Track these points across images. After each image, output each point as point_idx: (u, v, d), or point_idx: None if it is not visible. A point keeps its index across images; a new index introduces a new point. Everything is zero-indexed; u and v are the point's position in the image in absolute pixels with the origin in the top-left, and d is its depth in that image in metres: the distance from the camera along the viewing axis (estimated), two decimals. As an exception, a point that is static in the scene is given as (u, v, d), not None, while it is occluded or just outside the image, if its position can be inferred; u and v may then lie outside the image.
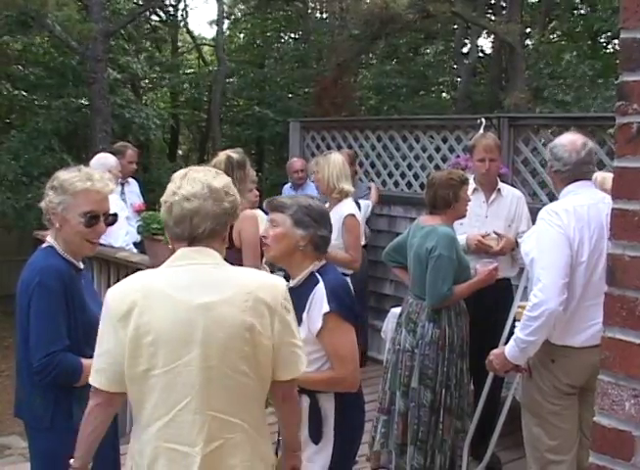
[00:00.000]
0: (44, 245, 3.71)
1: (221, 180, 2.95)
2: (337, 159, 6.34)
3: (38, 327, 3.49)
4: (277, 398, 3.06)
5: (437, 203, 5.23)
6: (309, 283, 3.69)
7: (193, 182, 2.89)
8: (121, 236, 7.40)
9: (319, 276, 3.70)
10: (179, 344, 2.74)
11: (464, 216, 5.42)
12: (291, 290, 3.22)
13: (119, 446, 4.00)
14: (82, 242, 3.65)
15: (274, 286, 2.93)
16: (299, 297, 3.51)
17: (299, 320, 3.41)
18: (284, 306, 2.90)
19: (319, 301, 3.61)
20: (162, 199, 2.94)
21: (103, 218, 3.67)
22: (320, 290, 3.65)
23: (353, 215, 6.23)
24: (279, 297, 2.90)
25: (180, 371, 2.74)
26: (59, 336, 3.48)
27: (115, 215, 3.83)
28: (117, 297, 2.82)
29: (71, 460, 3.03)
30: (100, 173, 3.71)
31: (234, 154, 5.35)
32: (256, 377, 2.86)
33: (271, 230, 3.75)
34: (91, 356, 3.59)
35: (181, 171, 3.02)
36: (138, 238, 7.42)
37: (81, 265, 3.75)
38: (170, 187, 2.93)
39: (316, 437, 3.70)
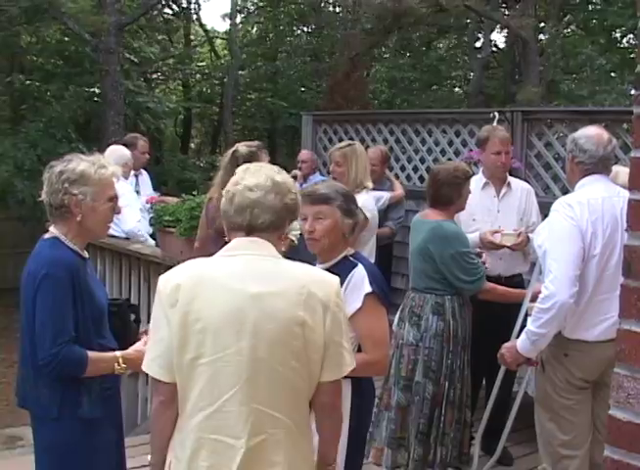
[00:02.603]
0: (47, 236, 3.69)
1: (284, 177, 2.95)
2: (363, 152, 6.29)
3: (44, 319, 3.47)
4: (318, 403, 2.95)
5: (440, 199, 5.14)
6: (343, 267, 3.67)
7: (257, 174, 2.89)
8: (130, 220, 7.39)
9: (355, 260, 3.70)
10: (228, 333, 2.71)
11: (463, 209, 5.36)
12: None
13: (124, 439, 4.00)
14: (105, 227, 3.77)
15: (328, 282, 2.90)
16: None
17: None
18: (337, 304, 2.86)
19: (359, 282, 3.61)
20: (225, 189, 2.94)
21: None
22: (360, 272, 3.64)
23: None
24: (332, 294, 2.86)
25: (228, 361, 2.71)
26: (65, 328, 3.45)
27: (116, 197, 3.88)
28: (169, 284, 2.80)
29: (149, 457, 3.01)
30: (104, 158, 3.76)
31: (243, 147, 5.33)
32: (306, 374, 2.81)
33: (318, 224, 3.70)
34: (102, 345, 3.62)
35: (244, 165, 3.03)
36: (150, 230, 7.44)
37: (86, 255, 3.75)
38: (233, 179, 2.94)
39: None
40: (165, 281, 2.82)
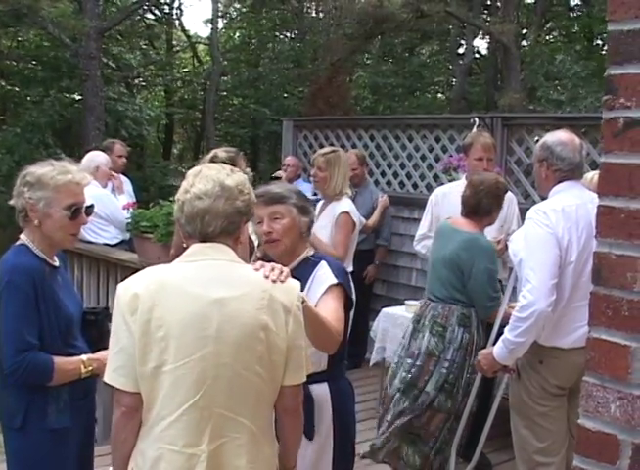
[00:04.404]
0: (17, 243, 3.65)
1: (235, 178, 2.89)
2: (346, 159, 6.32)
3: (6, 328, 3.41)
4: (280, 407, 2.93)
5: (480, 209, 5.07)
6: (306, 266, 3.61)
7: (205, 180, 2.83)
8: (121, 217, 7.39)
9: (317, 259, 3.65)
10: (192, 339, 2.67)
11: (493, 224, 5.33)
12: None
13: (93, 449, 3.94)
14: (65, 236, 3.60)
15: (289, 285, 2.87)
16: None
17: None
18: (298, 307, 2.84)
19: (324, 275, 3.54)
20: (176, 196, 2.89)
21: (84, 210, 3.64)
22: (324, 267, 3.58)
23: (348, 213, 6.18)
24: (294, 297, 2.84)
25: (192, 367, 2.67)
26: (28, 336, 3.40)
27: (92, 206, 3.79)
28: (129, 292, 2.74)
29: (110, 469, 2.95)
30: (73, 165, 3.67)
31: (222, 152, 5.29)
32: (269, 379, 2.79)
33: (276, 224, 3.64)
34: (71, 354, 3.57)
35: (195, 169, 2.96)
36: (127, 236, 7.41)
37: (56, 263, 3.68)
38: (183, 185, 2.89)
39: (310, 432, 3.58)
40: (125, 289, 2.77)
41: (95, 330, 3.72)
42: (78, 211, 3.59)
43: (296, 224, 3.65)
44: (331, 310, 3.43)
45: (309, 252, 3.72)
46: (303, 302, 2.94)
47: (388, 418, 5.12)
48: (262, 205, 3.60)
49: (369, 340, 7.54)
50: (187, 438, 2.70)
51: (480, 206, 5.07)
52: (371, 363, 7.01)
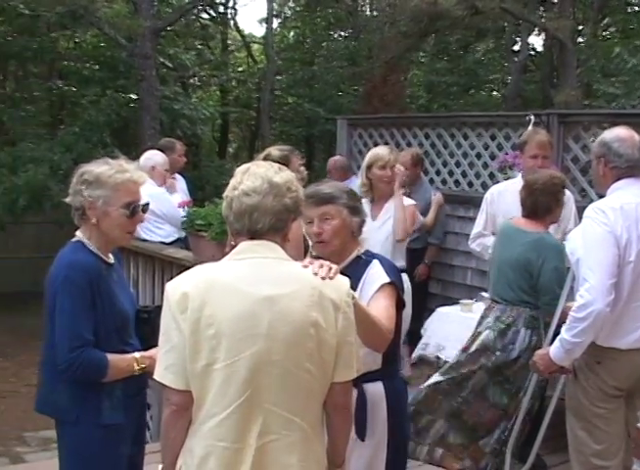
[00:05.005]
0: (73, 240, 3.68)
1: (283, 176, 2.90)
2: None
3: (63, 322, 3.46)
4: (330, 404, 2.91)
5: (539, 209, 5.05)
6: (357, 266, 3.61)
7: (254, 177, 2.85)
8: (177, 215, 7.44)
9: (369, 258, 3.64)
10: (243, 337, 2.68)
11: (557, 221, 5.28)
12: None
13: (144, 446, 3.99)
14: (122, 234, 3.65)
15: (339, 282, 2.87)
16: None
17: None
18: (347, 304, 2.84)
19: (376, 274, 3.54)
20: (224, 194, 2.91)
21: (141, 209, 3.67)
22: (376, 266, 3.58)
23: (414, 205, 6.34)
24: (343, 293, 2.84)
25: (242, 365, 2.68)
26: (83, 332, 3.44)
27: (147, 205, 3.81)
28: (178, 290, 2.76)
29: (160, 466, 2.98)
30: (130, 164, 3.69)
31: (275, 151, 5.29)
32: (319, 375, 2.78)
33: (326, 225, 3.64)
34: (124, 351, 3.59)
35: (243, 166, 2.97)
36: (183, 234, 7.45)
37: (112, 260, 3.71)
38: (232, 182, 2.91)
39: (362, 431, 3.58)
40: (174, 288, 2.79)
41: (148, 328, 3.72)
42: (136, 210, 3.63)
43: (346, 225, 3.63)
44: (382, 309, 3.43)
45: (360, 250, 3.71)
46: (353, 299, 2.93)
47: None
48: (313, 205, 3.59)
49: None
50: (236, 434, 2.71)
51: (538, 205, 5.02)
52: (412, 359, 6.96)
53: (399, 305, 3.59)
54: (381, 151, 6.33)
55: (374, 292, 3.50)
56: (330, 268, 2.85)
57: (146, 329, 3.74)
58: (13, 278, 15.80)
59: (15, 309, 14.38)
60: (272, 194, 2.82)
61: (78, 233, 3.67)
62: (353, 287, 3.01)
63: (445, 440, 5.09)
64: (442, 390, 5.11)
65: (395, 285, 3.55)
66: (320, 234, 3.64)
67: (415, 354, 6.78)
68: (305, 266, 2.84)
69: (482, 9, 15.85)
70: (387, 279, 3.52)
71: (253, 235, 2.83)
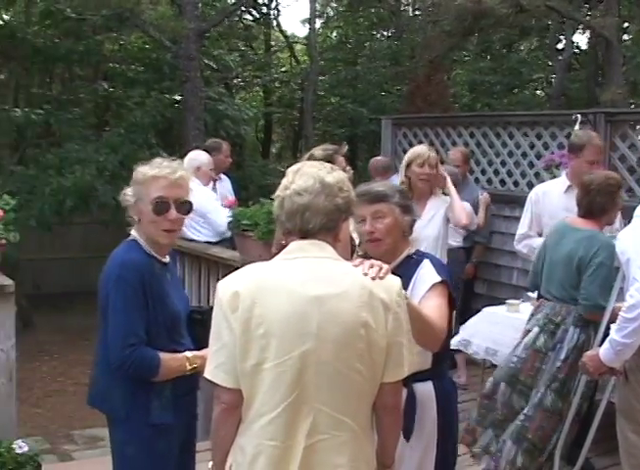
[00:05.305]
0: (128, 239, 3.72)
1: (335, 176, 2.91)
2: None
3: (116, 321, 3.50)
4: (380, 404, 2.90)
5: (594, 209, 5.03)
6: (408, 265, 3.61)
7: (305, 177, 2.87)
8: (221, 222, 7.45)
9: (419, 257, 3.63)
10: (292, 336, 2.70)
11: (612, 223, 5.25)
12: None
13: (194, 446, 4.01)
14: (157, 231, 3.63)
15: (389, 282, 2.86)
16: None
17: None
18: (398, 304, 2.82)
19: (428, 273, 3.54)
20: (276, 193, 2.93)
21: (174, 206, 3.62)
22: (427, 265, 3.58)
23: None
24: (394, 293, 2.83)
25: (292, 364, 2.70)
26: (136, 330, 3.48)
27: (190, 203, 3.74)
28: (229, 290, 2.79)
29: (210, 464, 3.01)
30: (171, 162, 3.70)
31: (319, 151, 5.28)
32: (369, 376, 2.79)
33: (378, 223, 3.64)
34: (176, 351, 3.62)
35: (295, 166, 3.00)
36: (229, 234, 7.47)
37: (166, 259, 3.74)
38: (283, 181, 2.92)
39: (410, 431, 3.57)
40: (225, 287, 2.82)
41: (201, 328, 3.71)
42: (163, 206, 3.59)
43: (398, 223, 3.63)
44: (434, 308, 3.42)
45: (411, 250, 3.71)
46: (406, 299, 2.93)
47: (498, 414, 5.09)
48: (365, 203, 3.60)
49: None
50: (286, 433, 2.73)
51: (594, 205, 5.00)
52: (471, 353, 6.93)
53: (451, 304, 3.58)
54: (419, 149, 6.30)
55: (425, 291, 3.49)
56: (380, 268, 2.84)
57: (199, 330, 3.74)
58: (60, 278, 15.97)
59: (62, 309, 14.55)
60: (324, 194, 2.82)
61: (133, 232, 3.71)
62: (404, 286, 3.00)
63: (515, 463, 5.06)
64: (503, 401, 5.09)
65: (447, 284, 3.55)
66: (372, 233, 3.65)
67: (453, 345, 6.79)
68: (356, 266, 2.84)
69: (527, 7, 15.70)
70: (438, 278, 3.52)
71: (305, 235, 2.84)
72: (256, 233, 6.46)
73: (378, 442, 3.01)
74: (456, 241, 7.84)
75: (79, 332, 13.19)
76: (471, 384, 7.61)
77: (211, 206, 7.57)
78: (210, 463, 3.00)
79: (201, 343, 3.64)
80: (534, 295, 5.68)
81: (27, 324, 12.78)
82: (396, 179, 8.81)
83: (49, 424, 9.24)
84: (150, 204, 3.58)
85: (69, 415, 9.72)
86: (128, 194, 3.65)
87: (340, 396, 2.75)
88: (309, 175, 2.87)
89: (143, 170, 3.63)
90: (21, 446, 5.15)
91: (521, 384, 5.04)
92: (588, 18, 19.44)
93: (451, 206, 6.01)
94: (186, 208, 3.71)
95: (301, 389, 2.71)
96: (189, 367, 3.60)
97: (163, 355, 3.53)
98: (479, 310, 7.00)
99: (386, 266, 2.89)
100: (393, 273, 2.95)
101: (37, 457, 5.28)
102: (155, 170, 3.61)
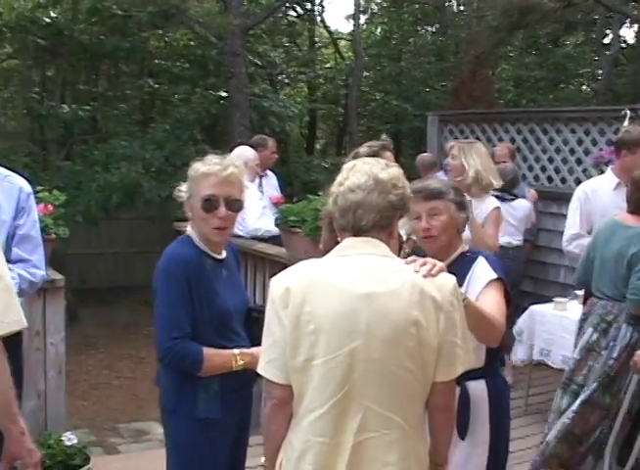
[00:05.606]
0: (184, 234, 3.75)
1: (390, 172, 2.89)
2: (484, 151, 6.06)
3: (161, 314, 3.55)
4: (432, 404, 2.89)
5: None
6: (462, 262, 3.60)
7: (359, 173, 2.86)
8: (250, 220, 7.49)
9: (474, 255, 3.62)
10: (341, 333, 2.69)
11: None
12: None
13: (247, 440, 4.01)
14: (209, 229, 3.64)
15: (442, 281, 2.83)
16: None
17: None
18: (451, 303, 2.79)
19: (483, 271, 3.53)
20: (330, 190, 2.93)
21: (224, 203, 3.62)
22: (482, 263, 3.57)
23: (499, 209, 5.92)
24: (447, 292, 2.80)
25: (341, 361, 2.69)
26: (180, 324, 3.50)
27: (241, 201, 3.75)
28: (281, 286, 2.80)
29: (262, 459, 3.04)
30: (223, 159, 3.70)
31: (364, 148, 5.26)
32: (420, 375, 2.77)
33: (434, 220, 3.64)
34: (225, 347, 3.63)
35: (350, 163, 2.99)
36: (275, 230, 7.49)
37: (222, 255, 3.75)
38: (338, 178, 2.92)
39: (464, 430, 3.57)
40: (277, 283, 2.83)
41: (258, 327, 3.73)
42: (213, 203, 3.60)
43: (453, 220, 3.63)
44: (493, 303, 3.42)
45: (464, 247, 3.69)
46: (464, 299, 2.91)
47: (549, 419, 5.06)
48: (421, 200, 3.59)
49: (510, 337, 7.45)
50: (334, 430, 2.73)
51: None
52: (516, 360, 6.92)
53: (508, 301, 3.56)
54: (452, 142, 6.25)
55: (482, 288, 3.48)
56: (433, 266, 2.81)
57: (256, 328, 3.73)
58: (106, 273, 16.16)
59: (108, 303, 14.71)
60: (377, 190, 2.81)
61: (188, 228, 3.74)
62: (459, 284, 2.97)
63: (550, 448, 5.02)
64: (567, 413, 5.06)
65: (503, 281, 3.53)
66: (428, 229, 3.65)
67: (521, 354, 6.76)
68: (408, 264, 2.83)
69: (574, 1, 15.58)
70: (494, 275, 3.51)
71: (358, 232, 2.83)
72: (304, 230, 6.48)
73: (431, 441, 2.99)
74: (517, 239, 7.83)
75: (124, 326, 13.34)
76: (517, 382, 7.57)
77: (247, 202, 7.62)
78: (263, 458, 3.02)
79: (258, 341, 3.66)
80: (582, 292, 5.63)
81: (73, 318, 12.89)
82: (441, 176, 8.81)
83: (95, 416, 9.34)
84: (200, 201, 3.60)
85: (115, 408, 9.85)
86: (182, 190, 3.68)
87: (389, 393, 2.74)
88: (363, 172, 2.86)
89: (196, 167, 3.65)
90: (70, 439, 5.22)
91: (573, 383, 5.01)
92: (636, 12, 19.20)
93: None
94: (237, 205, 3.71)
95: (350, 386, 2.71)
96: (236, 364, 3.60)
97: (208, 351, 3.54)
98: (525, 308, 6.95)
99: (439, 264, 2.86)
100: (449, 269, 2.93)
101: (86, 450, 5.34)
102: (205, 167, 3.63)
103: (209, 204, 3.60)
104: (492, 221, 5.82)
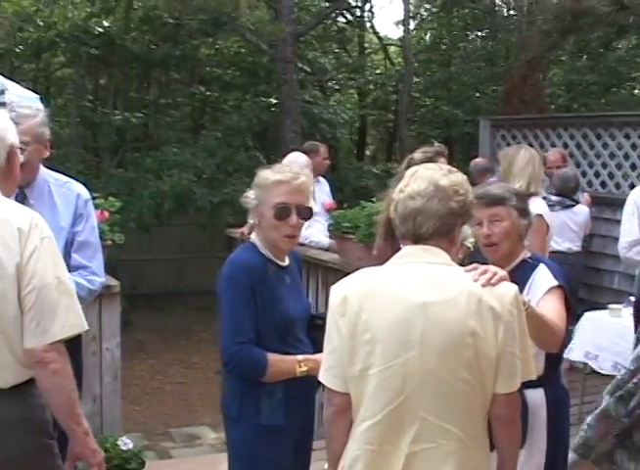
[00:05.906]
0: (249, 241, 3.79)
1: (452, 178, 2.87)
2: (531, 157, 6.00)
3: (226, 319, 3.57)
4: (493, 415, 2.83)
5: None
6: (523, 270, 3.57)
7: (420, 180, 2.84)
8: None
9: (535, 262, 3.59)
10: (396, 344, 2.69)
11: None
12: None
13: (310, 448, 4.00)
14: (279, 237, 3.66)
15: (502, 290, 2.78)
16: None
17: None
18: (511, 313, 2.73)
19: (544, 278, 3.49)
20: (392, 196, 2.93)
21: (295, 211, 3.64)
22: (543, 270, 3.54)
23: (542, 216, 5.72)
24: (507, 302, 2.75)
25: (396, 371, 2.68)
26: (244, 329, 3.52)
27: (310, 209, 3.76)
28: (339, 294, 2.81)
29: (325, 465, 3.06)
30: (294, 167, 3.74)
31: (419, 154, 5.23)
32: (478, 386, 2.73)
33: (495, 227, 3.61)
34: (288, 353, 3.64)
35: (412, 169, 2.98)
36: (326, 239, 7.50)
37: (285, 262, 3.77)
38: (399, 185, 2.91)
39: (522, 439, 3.52)
40: (336, 292, 2.84)
41: (321, 334, 3.74)
42: (285, 211, 3.62)
43: (515, 227, 3.60)
44: (553, 310, 3.39)
45: (526, 254, 3.66)
46: (528, 308, 2.88)
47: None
48: (482, 206, 3.56)
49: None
50: (384, 438, 2.72)
51: None
52: (570, 359, 6.82)
53: (567, 309, 3.52)
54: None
55: (542, 294, 3.45)
56: (493, 275, 2.77)
57: (318, 335, 3.73)
58: (157, 279, 16.24)
59: (159, 309, 14.81)
60: (437, 197, 2.79)
61: (253, 235, 3.77)
62: (519, 291, 2.92)
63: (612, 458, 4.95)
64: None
65: (564, 289, 3.49)
66: (490, 236, 3.62)
67: (576, 359, 6.69)
68: (468, 271, 2.80)
69: (628, 4, 15.39)
70: (554, 283, 3.47)
71: (417, 239, 2.82)
72: (357, 236, 6.48)
73: (497, 454, 2.93)
74: (577, 245, 7.75)
75: (176, 332, 13.42)
76: (571, 389, 7.48)
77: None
78: (326, 465, 3.04)
79: (320, 348, 3.66)
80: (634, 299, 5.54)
81: (126, 323, 12.99)
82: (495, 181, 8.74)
83: (147, 421, 9.43)
84: (271, 208, 3.62)
85: (166, 413, 9.93)
86: (250, 197, 3.70)
87: (445, 404, 2.71)
88: (424, 178, 2.84)
89: (265, 175, 3.67)
90: (126, 443, 5.26)
91: (622, 390, 4.92)
92: (691, 14, 18.95)
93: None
94: (307, 213, 3.73)
95: (406, 396, 2.69)
96: (299, 370, 3.61)
97: (272, 357, 3.55)
98: (580, 316, 6.88)
99: (501, 272, 2.82)
100: (509, 278, 2.88)
101: (141, 454, 5.39)
102: (278, 175, 3.65)
103: (282, 211, 3.61)
104: (536, 231, 5.72)
